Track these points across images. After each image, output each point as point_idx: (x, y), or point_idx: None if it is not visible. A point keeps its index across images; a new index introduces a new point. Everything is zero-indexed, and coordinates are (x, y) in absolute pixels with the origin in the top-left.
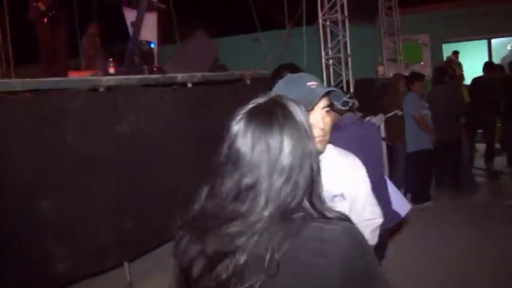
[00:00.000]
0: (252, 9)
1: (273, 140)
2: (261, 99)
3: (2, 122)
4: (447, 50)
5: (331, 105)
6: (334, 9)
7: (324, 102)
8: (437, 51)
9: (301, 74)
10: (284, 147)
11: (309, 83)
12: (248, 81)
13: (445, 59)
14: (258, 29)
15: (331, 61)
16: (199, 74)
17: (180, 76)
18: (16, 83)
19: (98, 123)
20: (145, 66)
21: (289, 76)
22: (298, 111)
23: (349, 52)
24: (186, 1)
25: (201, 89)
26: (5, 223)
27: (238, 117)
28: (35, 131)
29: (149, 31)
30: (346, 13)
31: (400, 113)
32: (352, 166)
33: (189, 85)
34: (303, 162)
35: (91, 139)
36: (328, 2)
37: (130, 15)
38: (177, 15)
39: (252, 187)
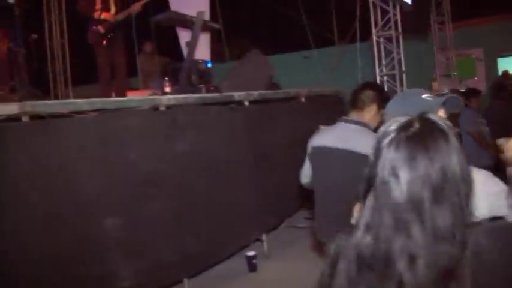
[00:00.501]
0: (306, 27)
1: (443, 164)
2: (403, 119)
3: (69, 140)
4: (502, 64)
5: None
6: (387, 26)
7: (441, 113)
8: (491, 65)
9: (416, 89)
10: (455, 170)
11: (424, 96)
12: (303, 99)
13: (500, 73)
14: (312, 46)
15: (385, 78)
16: (256, 93)
17: (237, 95)
18: (83, 103)
19: (159, 142)
20: (202, 85)
21: (405, 91)
22: (451, 130)
23: (403, 68)
24: (235, 19)
25: (257, 107)
26: (69, 240)
27: (390, 142)
28: (99, 149)
29: (203, 50)
30: (399, 29)
31: (456, 129)
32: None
33: (246, 103)
34: (466, 184)
35: (152, 157)
36: (382, 19)
37: (184, 35)
38: (226, 34)
39: (419, 215)
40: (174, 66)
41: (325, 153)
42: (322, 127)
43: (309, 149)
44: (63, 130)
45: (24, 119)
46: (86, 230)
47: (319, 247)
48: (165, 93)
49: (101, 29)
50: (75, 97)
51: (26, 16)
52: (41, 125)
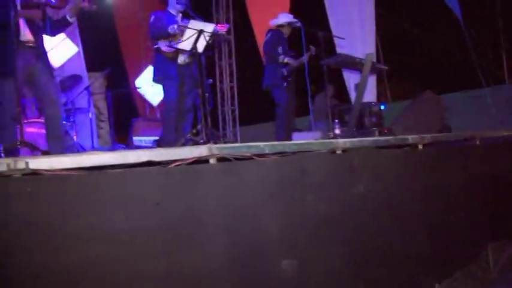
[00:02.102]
0: (474, 64)
1: None
2: None
3: (252, 182)
4: None
5: None
6: None
7: None
8: None
9: None
10: None
11: None
12: (478, 142)
13: None
14: (483, 85)
15: None
16: (429, 136)
17: (410, 138)
18: (265, 146)
19: (336, 184)
20: (375, 128)
21: None
22: None
23: None
24: (396, 58)
25: (431, 151)
26: (246, 281)
27: None
28: (279, 191)
29: (369, 91)
30: None
31: None
32: None
33: (420, 147)
34: None
35: (329, 200)
36: None
37: (350, 77)
38: (387, 74)
39: None
40: (343, 108)
41: None
42: None
43: None
44: (246, 172)
45: (212, 161)
46: (264, 270)
47: None
48: (335, 136)
49: (285, 71)
50: (242, 136)
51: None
52: (226, 167)
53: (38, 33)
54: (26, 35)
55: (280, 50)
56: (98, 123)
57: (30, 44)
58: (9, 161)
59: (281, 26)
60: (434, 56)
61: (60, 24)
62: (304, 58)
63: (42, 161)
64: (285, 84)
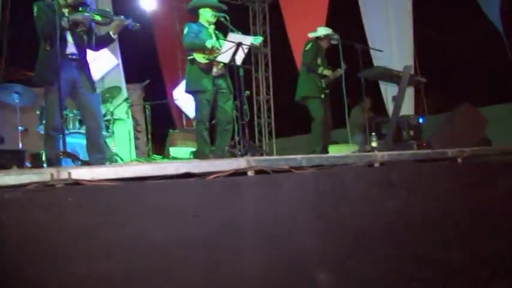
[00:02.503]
0: None
1: None
2: None
3: (289, 194)
4: None
5: None
6: None
7: None
8: None
9: None
10: None
11: None
12: None
13: None
14: None
15: None
16: (469, 149)
17: (450, 151)
18: (302, 159)
19: (373, 198)
20: (413, 141)
21: None
22: None
23: None
24: (432, 70)
25: (470, 164)
26: None
27: None
28: (316, 204)
29: (407, 104)
30: None
31: None
32: None
33: (459, 160)
34: None
35: (366, 213)
36: None
37: (389, 89)
38: (424, 86)
39: None
40: (380, 120)
41: None
42: None
43: None
44: (284, 184)
45: (250, 173)
46: (301, 283)
47: None
48: (372, 149)
49: (323, 83)
50: (278, 148)
51: None
52: (265, 179)
53: (82, 46)
54: (71, 47)
55: (319, 61)
56: (135, 134)
57: (74, 57)
58: (53, 170)
59: (320, 38)
60: (473, 68)
61: (103, 40)
62: (341, 71)
63: (83, 172)
64: (322, 96)
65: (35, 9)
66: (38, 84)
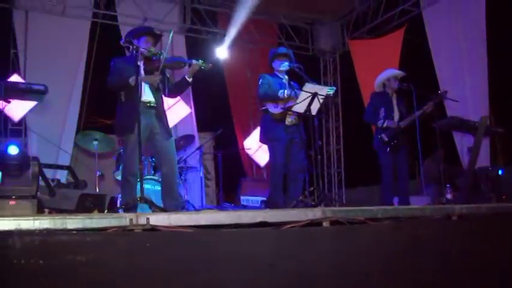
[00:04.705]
0: None
1: None
2: None
3: (366, 246)
4: None
5: None
6: None
7: None
8: None
9: None
10: None
11: None
12: None
13: None
14: None
15: None
16: None
17: None
18: (378, 211)
19: (451, 252)
20: (492, 194)
21: None
22: None
23: None
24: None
25: None
26: None
27: None
28: (392, 257)
29: (483, 155)
30: None
31: None
32: None
33: None
34: None
35: (443, 267)
36: None
37: (464, 140)
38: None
39: None
40: (454, 171)
41: None
42: None
43: None
44: (360, 236)
45: (325, 224)
46: None
47: None
48: (447, 201)
49: (384, 137)
50: (348, 199)
51: None
52: (340, 230)
53: (157, 94)
54: (147, 96)
55: (382, 111)
56: (205, 182)
57: (152, 104)
58: (132, 216)
59: (384, 85)
60: None
61: (180, 85)
62: (413, 117)
63: (161, 218)
64: (388, 148)
65: (112, 64)
66: (119, 134)
